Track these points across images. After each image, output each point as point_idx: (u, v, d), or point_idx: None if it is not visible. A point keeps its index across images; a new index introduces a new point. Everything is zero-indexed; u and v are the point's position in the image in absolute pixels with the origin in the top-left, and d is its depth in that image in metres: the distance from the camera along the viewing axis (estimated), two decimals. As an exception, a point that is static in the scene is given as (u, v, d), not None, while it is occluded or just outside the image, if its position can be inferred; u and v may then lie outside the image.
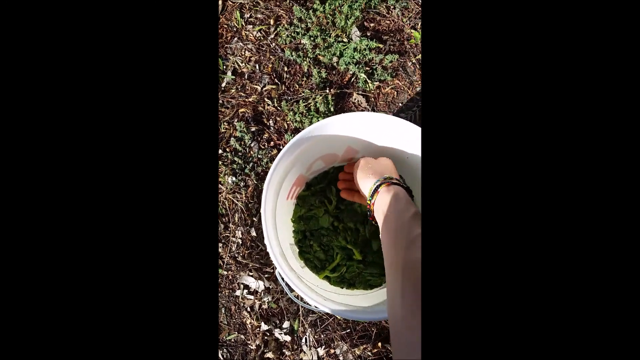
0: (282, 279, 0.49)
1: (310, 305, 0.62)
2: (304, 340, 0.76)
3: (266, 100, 0.83)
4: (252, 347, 0.76)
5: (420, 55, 0.83)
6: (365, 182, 0.49)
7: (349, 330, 0.75)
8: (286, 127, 0.82)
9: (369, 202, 0.48)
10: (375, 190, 0.47)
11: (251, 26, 0.86)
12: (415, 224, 0.39)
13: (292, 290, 0.63)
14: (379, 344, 0.74)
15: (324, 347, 0.75)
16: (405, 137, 0.53)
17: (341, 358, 0.75)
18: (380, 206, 0.45)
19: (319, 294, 0.53)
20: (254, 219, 0.80)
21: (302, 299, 0.69)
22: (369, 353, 0.74)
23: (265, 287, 0.78)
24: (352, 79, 0.83)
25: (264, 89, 0.83)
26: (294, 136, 0.50)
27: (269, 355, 0.76)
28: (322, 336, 0.75)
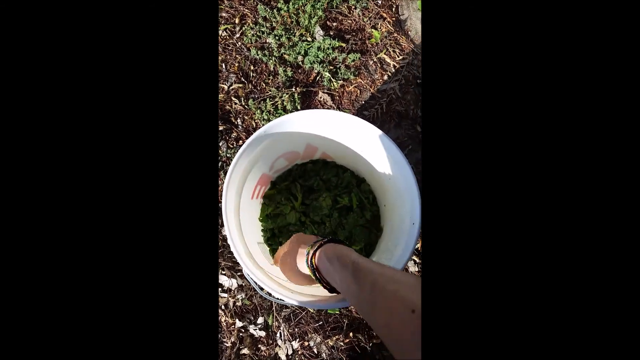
0: (250, 277, 0.50)
1: (280, 300, 0.64)
2: (278, 334, 0.77)
3: (233, 99, 0.83)
4: (227, 345, 0.77)
5: (381, 54, 0.85)
6: (299, 258, 0.47)
7: (321, 323, 0.78)
8: (254, 125, 0.83)
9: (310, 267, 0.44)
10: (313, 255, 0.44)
11: (215, 26, 0.86)
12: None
13: (262, 289, 0.64)
14: (351, 334, 0.77)
15: (298, 340, 0.77)
16: (360, 135, 0.55)
17: (315, 350, 0.77)
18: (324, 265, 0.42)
19: (288, 287, 0.55)
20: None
21: (269, 294, 0.71)
22: (341, 343, 0.77)
23: (238, 284, 0.79)
24: (317, 77, 0.84)
25: (231, 87, 0.84)
26: (257, 136, 0.51)
27: (245, 351, 0.77)
28: (296, 330, 0.77)
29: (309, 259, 0.44)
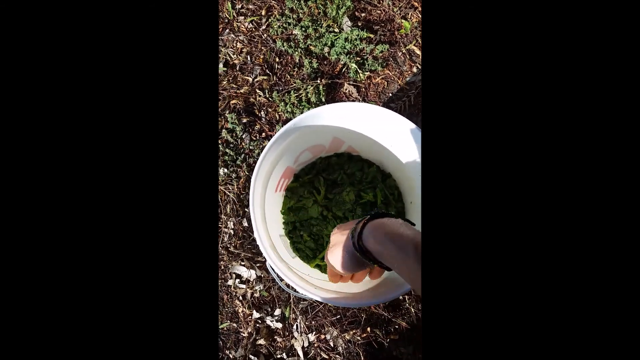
0: (273, 270, 0.50)
1: (302, 294, 0.64)
2: (295, 326, 0.78)
3: (257, 91, 0.83)
4: (244, 335, 0.78)
5: (410, 45, 0.83)
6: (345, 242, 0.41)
7: (338, 317, 0.77)
8: (277, 118, 0.82)
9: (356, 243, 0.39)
10: (359, 234, 0.39)
11: (243, 17, 0.86)
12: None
13: (282, 280, 0.64)
14: (368, 329, 0.76)
15: (314, 333, 0.77)
16: (390, 128, 0.54)
17: (331, 343, 0.77)
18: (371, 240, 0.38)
19: (310, 282, 0.54)
20: (246, 209, 0.81)
21: (293, 289, 0.71)
22: (359, 338, 0.76)
23: (257, 276, 0.79)
24: (343, 69, 0.83)
25: (256, 80, 0.83)
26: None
27: (261, 342, 0.78)
28: (313, 322, 0.77)
29: (356, 242, 0.39)
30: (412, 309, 0.77)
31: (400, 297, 0.77)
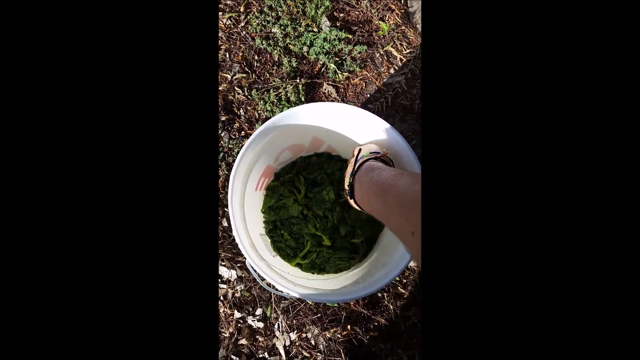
0: (254, 269, 0.50)
1: (282, 292, 0.64)
2: (276, 326, 0.78)
3: (236, 89, 0.82)
4: (225, 335, 0.77)
5: (388, 47, 0.84)
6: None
7: (319, 315, 0.78)
8: (257, 116, 0.82)
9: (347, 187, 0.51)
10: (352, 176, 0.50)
11: (221, 13, 0.84)
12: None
13: (263, 280, 0.64)
14: (348, 327, 0.77)
15: (296, 331, 0.77)
16: (367, 129, 0.54)
17: (313, 341, 0.78)
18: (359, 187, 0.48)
19: (290, 280, 0.55)
20: (225, 209, 0.80)
21: (273, 287, 0.71)
22: (339, 335, 0.77)
23: (237, 276, 0.79)
24: (322, 69, 0.83)
25: (234, 77, 0.82)
26: (261, 127, 0.50)
27: (243, 341, 0.77)
28: (294, 321, 0.78)
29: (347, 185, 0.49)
30: (391, 306, 0.78)
31: (379, 295, 0.79)
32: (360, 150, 0.52)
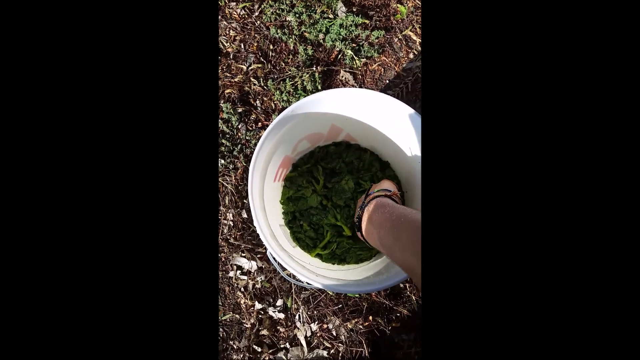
0: (274, 259, 0.50)
1: (303, 282, 0.64)
2: (297, 316, 0.78)
3: (252, 80, 0.81)
4: (247, 326, 0.78)
5: (406, 31, 0.81)
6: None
7: (340, 306, 0.77)
8: (273, 107, 0.81)
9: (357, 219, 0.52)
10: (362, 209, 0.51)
11: (234, 3, 0.83)
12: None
13: (284, 269, 0.64)
14: (370, 318, 0.77)
15: (317, 322, 0.77)
16: (389, 115, 0.53)
17: (334, 332, 0.77)
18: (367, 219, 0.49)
19: (311, 271, 0.54)
20: (245, 201, 0.80)
21: (295, 277, 0.71)
22: (360, 326, 0.77)
23: (258, 267, 0.79)
24: (339, 56, 0.81)
25: (250, 68, 0.82)
26: (279, 116, 0.49)
27: (264, 332, 0.78)
28: (315, 312, 0.77)
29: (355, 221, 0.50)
30: (413, 297, 0.77)
31: (401, 286, 0.78)
32: (371, 186, 0.55)
